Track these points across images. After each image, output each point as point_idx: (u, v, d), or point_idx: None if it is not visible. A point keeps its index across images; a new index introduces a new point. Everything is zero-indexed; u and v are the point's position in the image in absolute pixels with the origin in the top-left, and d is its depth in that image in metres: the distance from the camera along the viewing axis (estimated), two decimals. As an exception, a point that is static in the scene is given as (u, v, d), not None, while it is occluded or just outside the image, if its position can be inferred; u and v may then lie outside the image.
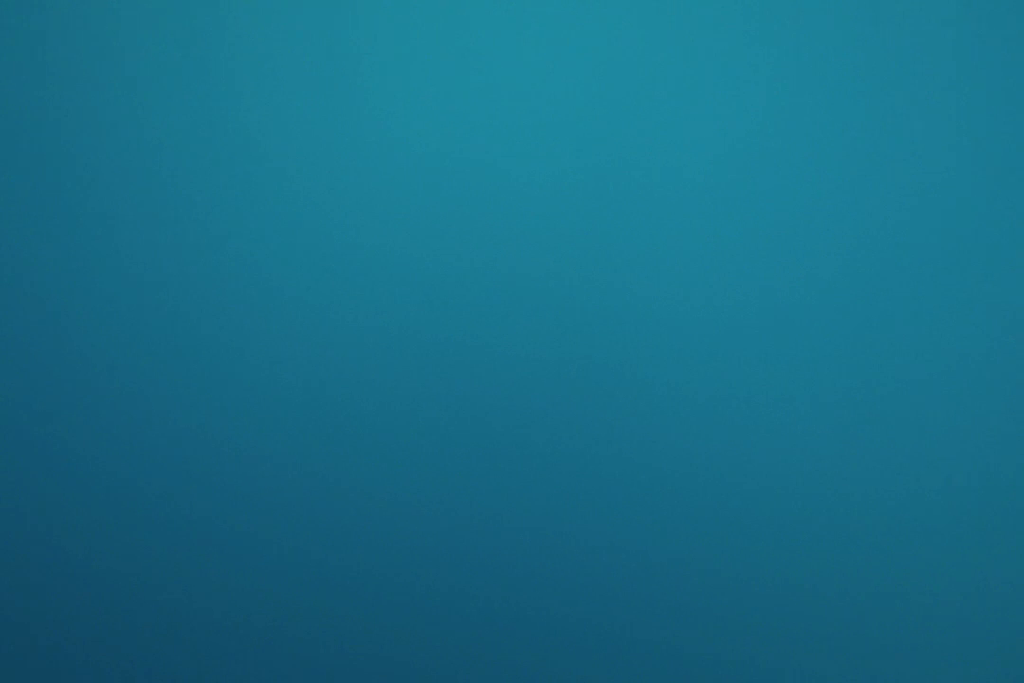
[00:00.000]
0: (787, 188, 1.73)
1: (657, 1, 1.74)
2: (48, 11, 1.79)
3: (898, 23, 1.72)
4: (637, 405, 1.72)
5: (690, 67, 1.74)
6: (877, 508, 1.70)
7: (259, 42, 1.78)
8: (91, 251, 1.78)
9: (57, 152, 1.79)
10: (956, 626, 1.68)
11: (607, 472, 1.72)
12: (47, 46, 1.79)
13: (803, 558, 1.70)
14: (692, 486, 1.71)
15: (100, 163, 1.78)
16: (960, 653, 1.68)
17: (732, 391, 1.71)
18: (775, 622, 1.70)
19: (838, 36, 1.72)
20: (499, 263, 1.75)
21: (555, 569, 1.72)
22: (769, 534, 1.70)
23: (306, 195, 1.77)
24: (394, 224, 1.76)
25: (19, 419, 1.77)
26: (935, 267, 1.71)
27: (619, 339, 1.73)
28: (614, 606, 1.71)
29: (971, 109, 1.71)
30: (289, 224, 1.77)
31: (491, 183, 1.75)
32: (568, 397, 1.73)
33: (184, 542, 1.75)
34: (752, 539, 1.70)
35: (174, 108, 1.78)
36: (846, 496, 1.70)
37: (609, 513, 1.72)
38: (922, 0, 1.71)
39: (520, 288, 1.74)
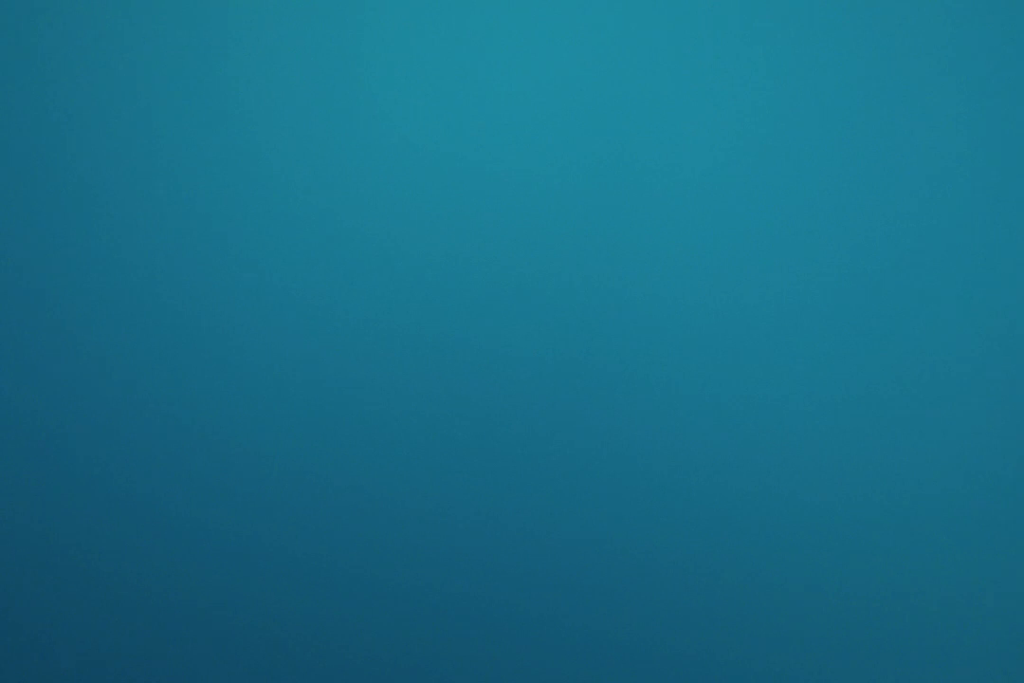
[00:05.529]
0: (787, 187, 1.73)
1: (657, 0, 1.75)
2: (49, 11, 1.80)
3: (898, 22, 1.72)
4: (637, 404, 1.72)
5: (691, 66, 1.74)
6: (877, 508, 1.69)
7: (261, 40, 1.78)
8: (98, 249, 1.78)
9: (61, 151, 1.79)
10: (956, 627, 1.68)
11: (607, 471, 1.72)
12: (49, 45, 1.80)
13: (803, 558, 1.70)
14: (692, 485, 1.71)
15: (103, 162, 1.79)
16: (960, 653, 1.68)
17: (732, 390, 1.71)
18: (775, 622, 1.69)
19: (838, 35, 1.72)
20: (499, 261, 1.75)
21: (554, 568, 1.72)
22: (769, 533, 1.70)
23: (307, 190, 1.77)
24: (395, 222, 1.76)
25: (19, 418, 1.77)
26: (935, 266, 1.71)
27: (620, 337, 1.73)
28: (614, 606, 1.71)
29: (971, 108, 1.71)
30: (292, 221, 1.77)
31: (491, 181, 1.75)
32: (568, 395, 1.73)
33: (182, 539, 1.75)
34: (752, 538, 1.70)
35: (176, 104, 1.78)
36: (846, 496, 1.70)
37: (609, 512, 1.72)
38: (921, 0, 1.72)
39: (521, 286, 1.74)
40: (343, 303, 1.76)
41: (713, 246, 1.73)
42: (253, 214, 1.77)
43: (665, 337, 1.73)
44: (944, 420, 1.69)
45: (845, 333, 1.71)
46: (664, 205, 1.74)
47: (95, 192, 1.79)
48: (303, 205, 1.77)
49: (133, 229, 1.78)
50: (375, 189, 1.77)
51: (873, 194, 1.72)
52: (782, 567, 1.70)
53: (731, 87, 1.73)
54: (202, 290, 1.77)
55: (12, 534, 1.76)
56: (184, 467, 1.76)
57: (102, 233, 1.78)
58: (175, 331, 1.77)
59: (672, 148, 1.74)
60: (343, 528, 1.74)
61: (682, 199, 1.73)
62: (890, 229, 1.72)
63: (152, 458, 1.76)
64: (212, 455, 1.76)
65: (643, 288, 1.73)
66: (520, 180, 1.75)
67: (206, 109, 1.78)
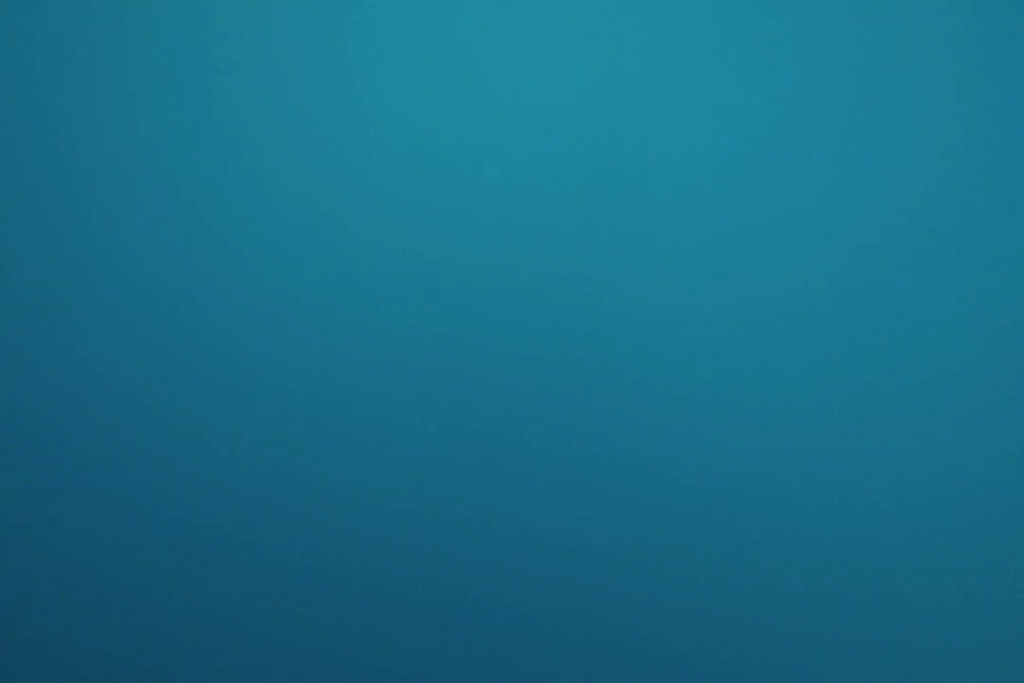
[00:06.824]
0: (787, 191, 1.73)
1: (657, 4, 1.75)
2: (48, 11, 1.79)
3: (899, 26, 1.72)
4: (637, 406, 1.72)
5: (691, 70, 1.74)
6: (878, 510, 1.70)
7: (257, 42, 1.78)
8: (91, 252, 1.78)
9: (59, 153, 1.79)
10: (956, 629, 1.68)
11: (609, 473, 1.72)
12: (47, 47, 1.79)
13: (803, 561, 1.70)
14: (691, 488, 1.72)
15: (100, 164, 1.78)
16: (960, 654, 1.68)
17: (732, 394, 1.72)
18: (776, 624, 1.70)
19: (839, 39, 1.72)
20: (498, 265, 1.75)
21: (555, 571, 1.72)
22: (770, 535, 1.70)
23: (305, 195, 1.77)
24: (395, 227, 1.76)
25: (19, 421, 1.77)
26: (934, 269, 1.71)
27: (620, 341, 1.73)
28: (616, 607, 1.72)
29: (971, 110, 1.71)
30: (289, 225, 1.77)
31: (491, 185, 1.75)
32: (569, 399, 1.73)
33: (183, 544, 1.75)
34: (753, 542, 1.71)
35: (172, 109, 1.78)
36: (847, 498, 1.70)
37: (611, 515, 1.72)
38: (922, 3, 1.72)
39: (521, 290, 1.74)
40: (342, 307, 1.76)
41: (713, 250, 1.73)
42: (251, 217, 1.77)
43: (665, 340, 1.73)
44: (944, 421, 1.70)
45: (845, 335, 1.71)
46: (663, 209, 1.74)
47: (95, 196, 1.78)
48: (301, 209, 1.77)
49: (131, 232, 1.78)
50: (374, 194, 1.77)
51: (872, 200, 1.72)
52: (783, 569, 1.70)
53: (730, 91, 1.74)
54: (200, 294, 1.77)
55: (13, 537, 1.75)
56: (181, 468, 1.76)
57: (101, 236, 1.78)
58: (174, 333, 1.77)
59: (672, 152, 1.74)
60: (344, 530, 1.74)
61: (682, 203, 1.73)
62: (889, 233, 1.72)
63: (150, 459, 1.76)
64: (210, 456, 1.75)
65: (643, 291, 1.73)
66: (520, 183, 1.75)
67: (203, 113, 1.78)
